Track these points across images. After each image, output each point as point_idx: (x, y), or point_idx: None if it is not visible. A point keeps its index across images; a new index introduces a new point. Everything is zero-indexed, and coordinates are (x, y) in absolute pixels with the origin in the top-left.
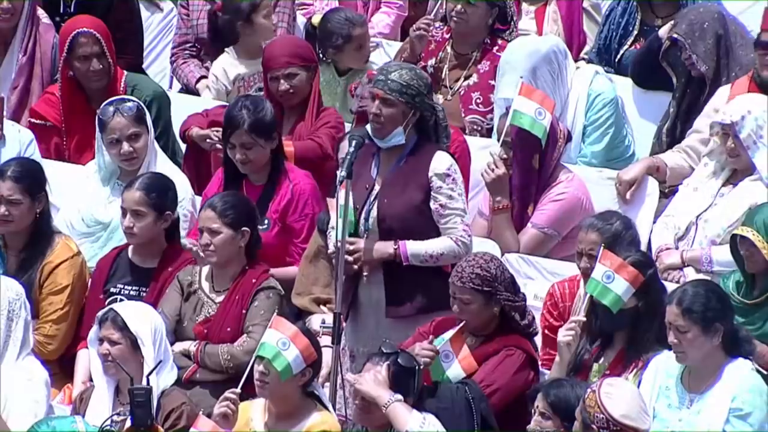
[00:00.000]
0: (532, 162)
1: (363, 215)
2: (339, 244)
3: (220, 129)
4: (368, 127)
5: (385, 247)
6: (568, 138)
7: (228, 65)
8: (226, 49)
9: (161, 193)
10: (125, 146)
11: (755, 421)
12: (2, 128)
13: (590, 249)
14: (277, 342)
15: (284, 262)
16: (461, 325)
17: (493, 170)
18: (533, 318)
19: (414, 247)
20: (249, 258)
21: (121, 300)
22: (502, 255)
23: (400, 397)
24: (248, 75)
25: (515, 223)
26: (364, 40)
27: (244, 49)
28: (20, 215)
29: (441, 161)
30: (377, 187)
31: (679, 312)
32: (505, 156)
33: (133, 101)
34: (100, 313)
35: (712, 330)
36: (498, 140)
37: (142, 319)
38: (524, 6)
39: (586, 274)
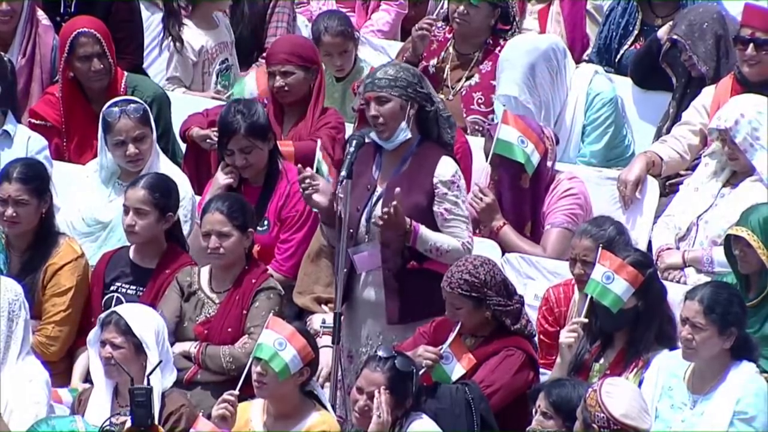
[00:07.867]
0: (519, 182)
1: (364, 216)
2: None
3: None
4: (373, 134)
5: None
6: (557, 141)
7: (191, 37)
8: (185, 22)
9: (165, 193)
10: (131, 148)
11: (760, 425)
12: None
13: (584, 255)
14: (274, 342)
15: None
16: (458, 327)
17: (481, 199)
18: (528, 320)
19: (426, 234)
20: (246, 258)
21: (119, 298)
22: (503, 255)
23: None
24: (212, 47)
25: None
26: None
27: (200, 18)
28: (27, 216)
29: (446, 167)
30: (379, 189)
31: (700, 309)
32: (496, 177)
33: (138, 102)
34: (102, 316)
35: (727, 333)
36: (486, 160)
37: (146, 322)
38: (527, 5)
39: (580, 280)
